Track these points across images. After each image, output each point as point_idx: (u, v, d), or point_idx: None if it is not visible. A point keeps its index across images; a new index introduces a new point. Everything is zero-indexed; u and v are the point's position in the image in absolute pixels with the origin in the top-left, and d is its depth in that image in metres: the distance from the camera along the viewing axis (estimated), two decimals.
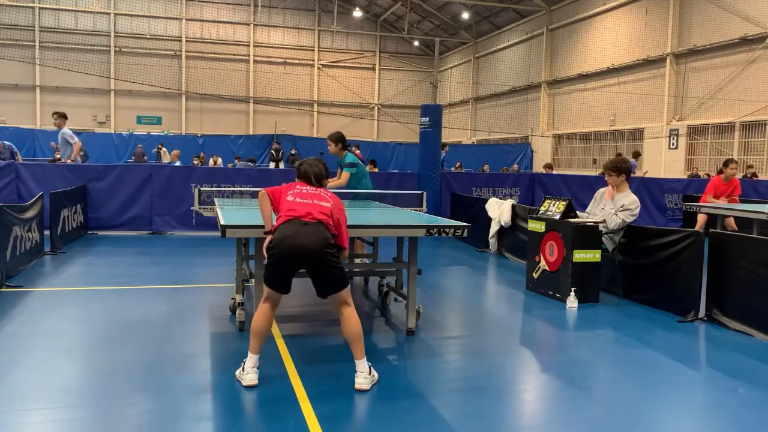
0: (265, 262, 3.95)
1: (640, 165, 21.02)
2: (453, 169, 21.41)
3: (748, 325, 5.32)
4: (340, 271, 3.89)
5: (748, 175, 17.14)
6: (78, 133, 25.64)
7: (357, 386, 3.84)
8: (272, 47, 37.20)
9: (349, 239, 7.09)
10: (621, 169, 6.70)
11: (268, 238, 3.95)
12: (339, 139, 7.49)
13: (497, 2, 29.86)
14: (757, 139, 18.62)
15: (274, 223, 3.98)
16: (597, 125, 25.49)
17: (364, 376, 3.87)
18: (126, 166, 12.16)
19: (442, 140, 13.08)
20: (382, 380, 4.03)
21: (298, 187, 4.10)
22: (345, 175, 7.33)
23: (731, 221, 8.95)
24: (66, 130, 11.21)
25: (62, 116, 11.29)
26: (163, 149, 23.70)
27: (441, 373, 4.30)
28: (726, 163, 9.63)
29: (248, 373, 3.85)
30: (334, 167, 7.54)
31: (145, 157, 22.33)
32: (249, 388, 3.80)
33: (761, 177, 16.85)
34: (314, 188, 4.11)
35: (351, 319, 3.95)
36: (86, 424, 3.32)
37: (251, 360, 3.88)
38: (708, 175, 17.43)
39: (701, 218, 9.39)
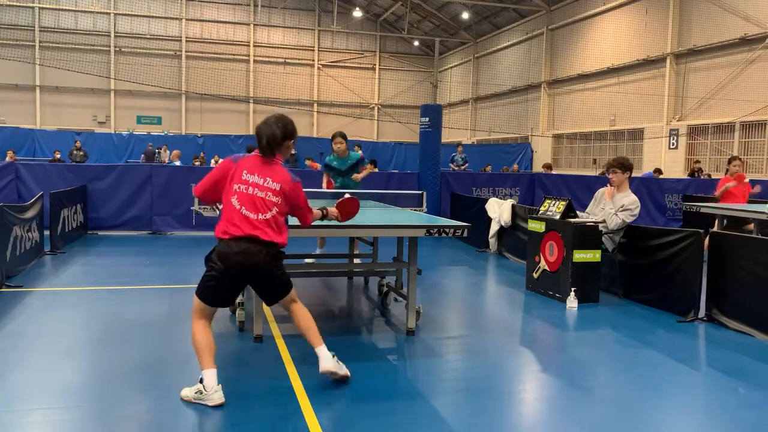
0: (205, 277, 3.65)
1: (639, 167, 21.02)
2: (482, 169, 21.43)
3: (748, 325, 5.32)
4: (284, 278, 3.80)
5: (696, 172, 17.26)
6: (78, 134, 25.82)
7: (324, 369, 3.76)
8: (272, 47, 37.17)
9: (349, 239, 7.17)
10: (626, 166, 6.74)
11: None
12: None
13: (497, 2, 29.84)
14: (757, 139, 18.61)
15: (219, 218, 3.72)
16: (597, 125, 25.48)
17: (329, 358, 3.77)
18: (126, 166, 12.17)
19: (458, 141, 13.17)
20: (383, 380, 4.03)
21: (244, 175, 3.61)
22: (370, 167, 7.90)
23: (750, 226, 8.74)
24: None
25: None
26: (165, 151, 23.74)
27: (441, 373, 4.30)
28: (729, 161, 9.70)
29: (215, 392, 3.48)
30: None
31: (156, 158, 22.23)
32: (218, 407, 3.48)
33: (761, 177, 16.83)
34: (261, 177, 3.61)
35: (301, 312, 3.87)
36: (86, 424, 3.32)
37: (211, 375, 3.51)
38: (709, 176, 17.39)
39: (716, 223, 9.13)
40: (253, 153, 3.77)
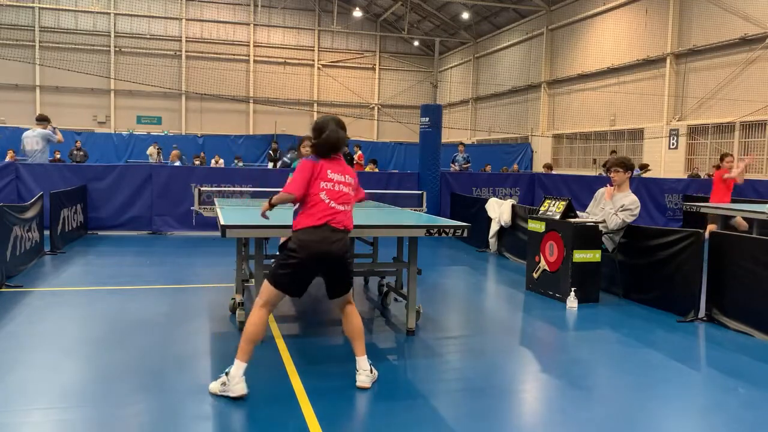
0: (281, 265, 3.78)
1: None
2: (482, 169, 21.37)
3: (748, 325, 5.32)
4: (352, 270, 4.02)
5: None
6: (78, 134, 25.81)
7: (359, 384, 3.86)
8: (272, 47, 37.16)
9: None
10: (628, 166, 6.76)
11: (266, 205, 3.97)
12: None
13: (497, 2, 29.83)
14: (757, 139, 18.61)
15: (299, 210, 3.90)
16: (597, 125, 25.48)
17: (366, 374, 3.89)
18: (126, 166, 12.17)
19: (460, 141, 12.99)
20: (383, 380, 4.02)
21: (329, 174, 3.89)
22: None
23: (740, 220, 8.87)
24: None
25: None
26: (156, 148, 23.69)
27: (441, 373, 4.30)
28: (722, 158, 9.85)
29: (238, 383, 3.61)
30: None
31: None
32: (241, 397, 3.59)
33: (761, 177, 16.83)
34: (341, 175, 3.92)
35: (354, 316, 4.01)
36: (86, 424, 3.32)
37: (240, 368, 3.64)
38: (709, 176, 17.38)
39: (711, 227, 9.13)
40: (321, 157, 3.96)
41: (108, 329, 4.99)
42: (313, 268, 3.81)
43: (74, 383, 3.84)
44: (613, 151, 20.62)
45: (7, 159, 15.28)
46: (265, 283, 3.82)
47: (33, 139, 10.99)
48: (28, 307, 5.58)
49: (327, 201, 3.85)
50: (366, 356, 3.94)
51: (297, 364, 4.24)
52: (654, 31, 22.04)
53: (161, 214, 10.86)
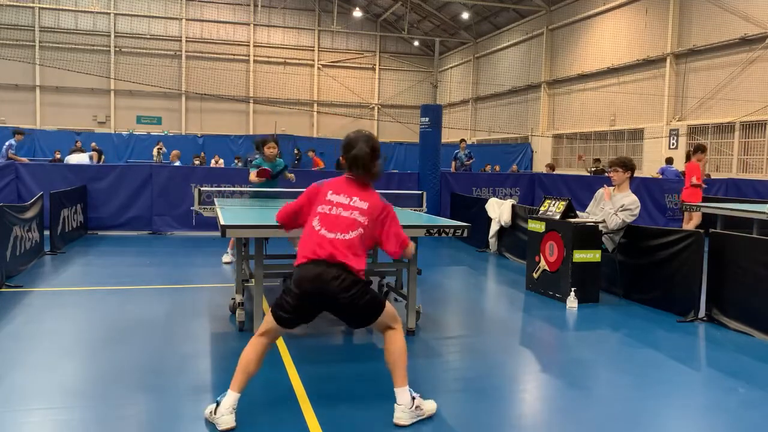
0: (282, 296, 3.37)
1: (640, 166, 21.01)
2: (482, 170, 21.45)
3: (748, 325, 5.32)
4: (370, 302, 3.34)
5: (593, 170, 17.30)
6: (78, 134, 25.82)
7: (394, 420, 3.35)
8: (272, 47, 37.17)
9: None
10: (628, 166, 6.76)
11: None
12: None
13: (497, 2, 29.84)
14: (757, 139, 18.61)
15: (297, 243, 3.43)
16: (597, 125, 25.47)
17: (402, 409, 3.33)
18: (126, 166, 12.18)
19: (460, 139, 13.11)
20: (383, 380, 4.02)
21: (329, 196, 3.38)
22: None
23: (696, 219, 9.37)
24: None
25: None
26: (163, 148, 23.67)
27: (441, 373, 4.30)
28: (702, 150, 10.22)
29: (224, 415, 3.23)
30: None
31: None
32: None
33: (761, 177, 16.82)
34: (347, 197, 3.37)
35: (394, 342, 3.42)
36: (86, 424, 3.32)
37: (232, 398, 3.27)
38: (708, 176, 17.39)
39: (696, 218, 9.62)
40: (342, 175, 3.51)
41: (108, 329, 4.99)
42: (309, 307, 3.33)
43: (74, 383, 3.84)
44: (597, 159, 20.75)
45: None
46: (268, 311, 3.41)
47: (85, 160, 13.42)
48: (28, 307, 5.58)
49: (318, 228, 3.31)
50: (407, 387, 3.38)
51: (297, 365, 4.24)
52: (654, 31, 22.03)
53: (161, 214, 10.86)
